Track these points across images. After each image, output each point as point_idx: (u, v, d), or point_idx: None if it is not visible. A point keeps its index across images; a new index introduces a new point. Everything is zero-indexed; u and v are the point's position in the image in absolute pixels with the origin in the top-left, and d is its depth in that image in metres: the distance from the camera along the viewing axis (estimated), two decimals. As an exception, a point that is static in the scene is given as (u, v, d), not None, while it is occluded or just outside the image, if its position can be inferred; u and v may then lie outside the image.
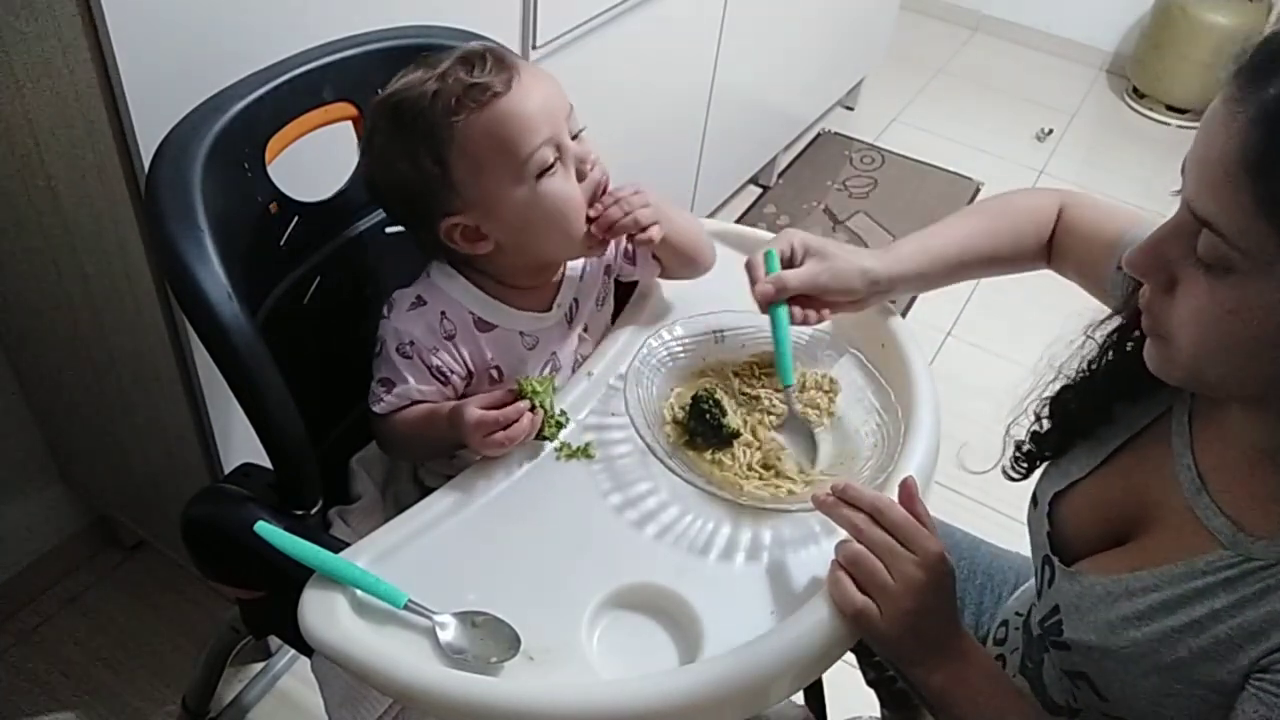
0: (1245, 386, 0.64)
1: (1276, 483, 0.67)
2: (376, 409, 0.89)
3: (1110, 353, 0.81)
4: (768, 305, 0.91)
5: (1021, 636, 0.89)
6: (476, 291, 0.89)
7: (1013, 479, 0.90)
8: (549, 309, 0.93)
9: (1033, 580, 0.91)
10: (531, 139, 0.81)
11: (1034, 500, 0.88)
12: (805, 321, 0.93)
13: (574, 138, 0.85)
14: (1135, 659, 0.70)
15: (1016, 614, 0.94)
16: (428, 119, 0.80)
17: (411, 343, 0.87)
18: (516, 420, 0.82)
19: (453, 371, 0.89)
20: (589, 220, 0.87)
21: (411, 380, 0.87)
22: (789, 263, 0.94)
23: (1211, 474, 0.71)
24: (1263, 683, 0.63)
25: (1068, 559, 0.80)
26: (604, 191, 0.88)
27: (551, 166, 0.83)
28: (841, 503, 0.75)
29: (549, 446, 0.87)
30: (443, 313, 0.88)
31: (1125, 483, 0.79)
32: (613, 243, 0.98)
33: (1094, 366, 0.82)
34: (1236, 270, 0.58)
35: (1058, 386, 0.85)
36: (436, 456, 0.95)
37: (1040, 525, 0.85)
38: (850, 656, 1.02)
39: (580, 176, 0.86)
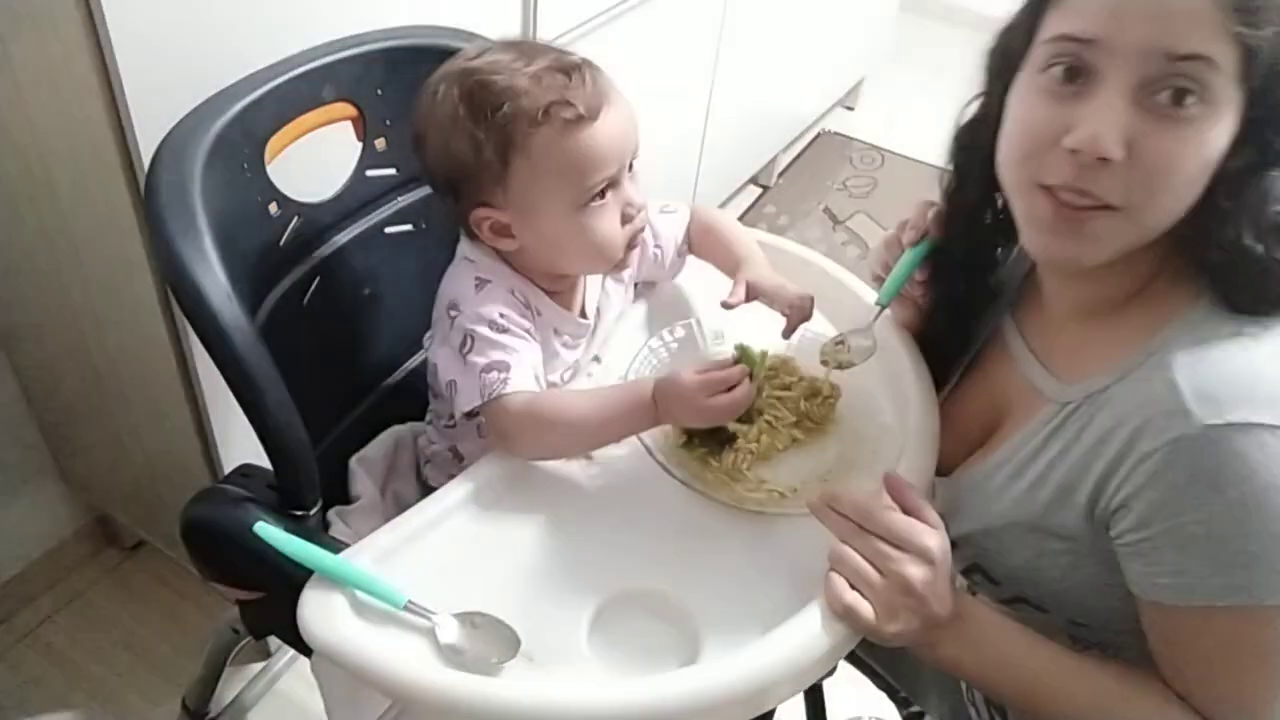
0: (1164, 228, 0.69)
1: (1084, 334, 0.78)
2: (507, 390, 0.80)
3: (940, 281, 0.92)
4: (922, 236, 0.93)
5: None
6: (521, 280, 0.89)
7: None
8: (583, 314, 0.93)
9: None
10: (597, 174, 0.81)
11: None
12: (919, 279, 0.95)
13: (629, 168, 0.86)
14: (1007, 528, 0.79)
15: None
16: (507, 115, 0.79)
17: (503, 314, 0.84)
18: (739, 383, 0.80)
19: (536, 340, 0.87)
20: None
21: (523, 350, 0.83)
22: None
23: (1037, 347, 0.83)
24: (1121, 536, 0.70)
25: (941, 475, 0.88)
26: (640, 232, 0.89)
27: (603, 201, 0.83)
28: (831, 510, 0.75)
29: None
30: (512, 288, 0.87)
31: (971, 400, 0.90)
32: (638, 256, 0.99)
33: (934, 298, 0.93)
34: (1214, 102, 0.64)
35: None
36: (586, 447, 0.87)
37: None
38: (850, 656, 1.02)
39: (624, 219, 0.85)
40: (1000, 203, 0.84)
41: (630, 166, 0.86)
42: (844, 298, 1.04)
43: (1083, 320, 0.78)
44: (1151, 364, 0.69)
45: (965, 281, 0.91)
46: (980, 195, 0.84)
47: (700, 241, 1.03)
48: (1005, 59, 0.77)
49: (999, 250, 0.90)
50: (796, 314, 0.93)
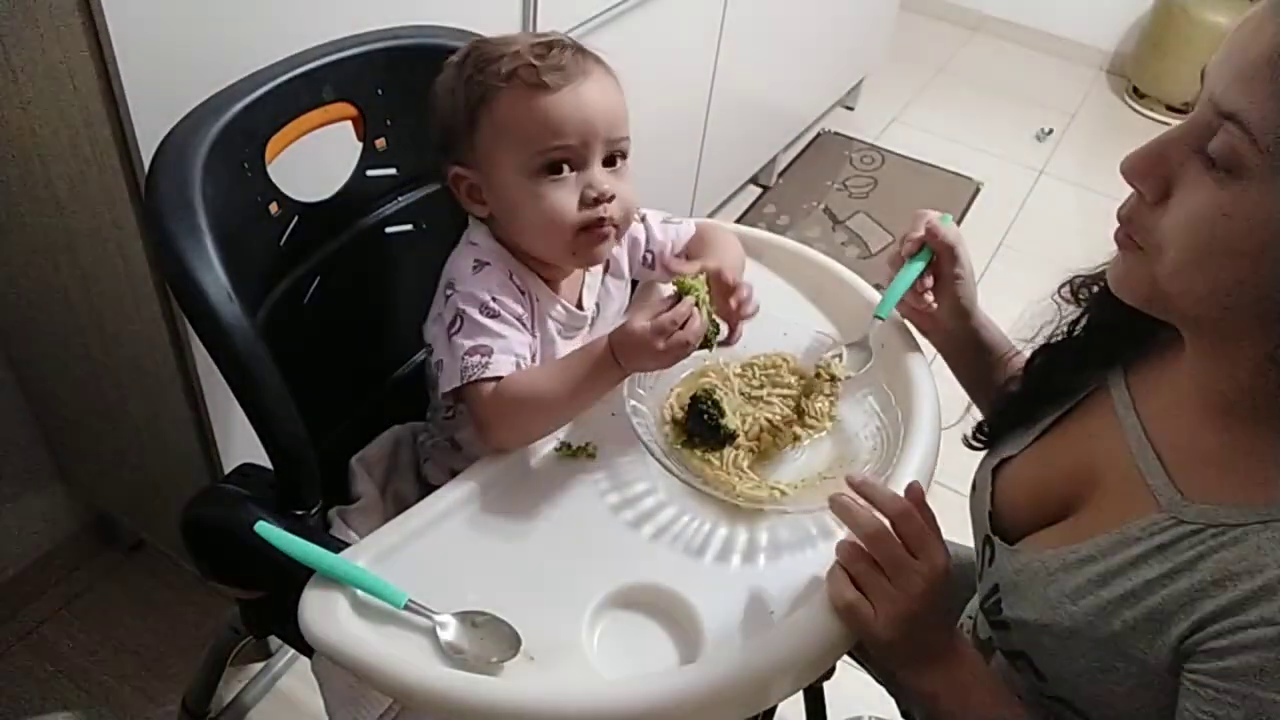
0: (1210, 303, 0.62)
1: (1217, 440, 0.68)
2: (486, 374, 0.81)
3: (1088, 314, 0.82)
4: (920, 246, 0.92)
5: (970, 641, 0.89)
6: (519, 265, 0.89)
7: (974, 447, 0.92)
8: (579, 305, 0.93)
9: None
10: (550, 140, 0.81)
11: (974, 486, 0.89)
12: (923, 289, 0.94)
13: (610, 160, 0.85)
14: (1072, 634, 0.70)
15: (968, 616, 0.95)
16: (483, 75, 0.82)
17: (494, 299, 0.84)
18: (689, 316, 0.79)
19: (528, 328, 0.87)
20: (575, 235, 0.85)
21: (509, 335, 0.84)
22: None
23: (1154, 430, 0.73)
24: (1196, 675, 0.62)
25: (1009, 539, 0.81)
26: (603, 224, 0.85)
27: (559, 175, 0.83)
28: (857, 508, 0.73)
29: (549, 446, 0.87)
30: (510, 272, 0.88)
31: (1062, 458, 0.80)
32: (628, 253, 0.99)
33: (1073, 328, 0.83)
34: (1246, 173, 0.57)
35: (1030, 350, 0.87)
36: (561, 420, 0.87)
37: (982, 504, 0.86)
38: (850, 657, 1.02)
39: (584, 202, 0.84)
40: None
41: (614, 160, 0.85)
42: (845, 295, 1.05)
43: (1217, 418, 0.68)
44: None
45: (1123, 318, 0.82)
46: None
47: (692, 254, 1.02)
48: None
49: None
50: (740, 304, 0.89)
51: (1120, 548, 0.69)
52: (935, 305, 0.95)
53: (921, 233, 0.93)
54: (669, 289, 0.82)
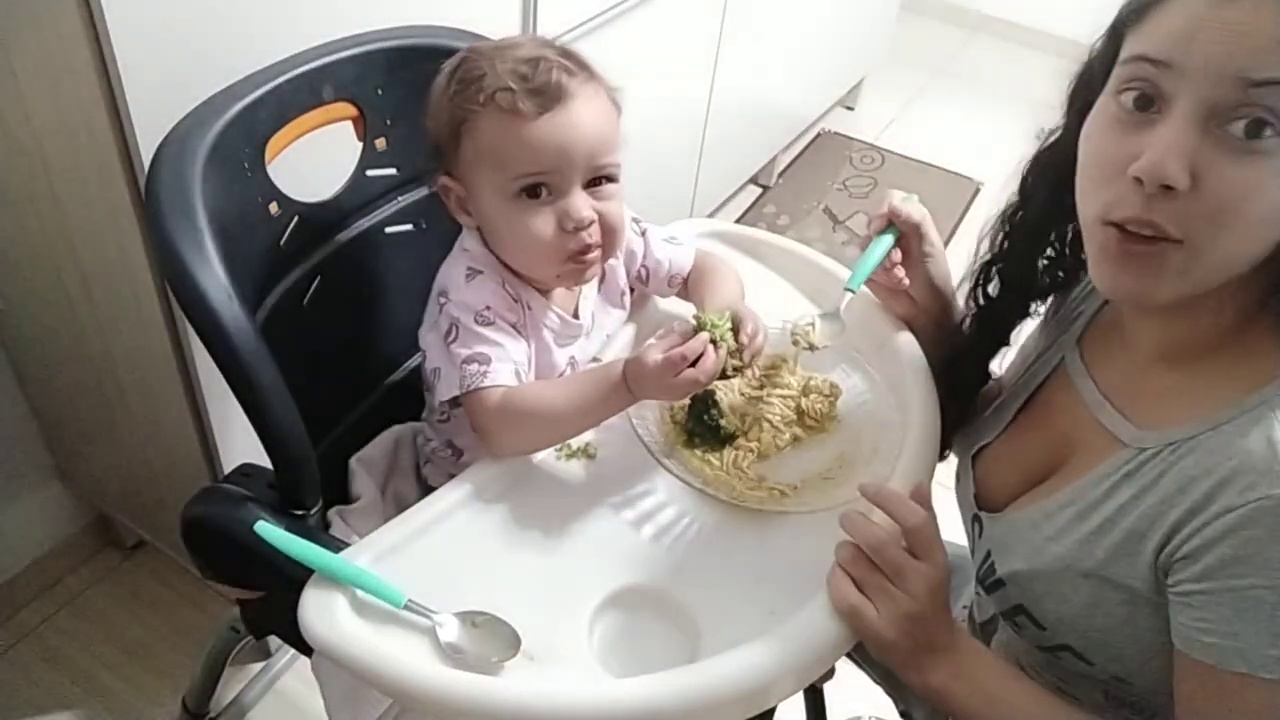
0: (1232, 272, 0.65)
1: (1167, 379, 0.73)
2: (485, 383, 0.82)
3: (972, 315, 0.91)
4: (886, 224, 0.95)
5: (967, 629, 0.90)
6: (512, 274, 0.89)
7: (943, 456, 0.94)
8: (575, 315, 0.93)
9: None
10: (526, 166, 0.81)
11: (957, 477, 0.93)
12: (893, 265, 0.95)
13: (595, 182, 0.84)
14: (1061, 573, 0.74)
15: (963, 606, 0.96)
16: (466, 92, 0.82)
17: (489, 307, 0.84)
18: (702, 353, 0.79)
19: (522, 334, 0.87)
20: (555, 260, 0.85)
21: (506, 344, 0.84)
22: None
23: (1110, 388, 0.78)
24: (1180, 586, 0.65)
25: (994, 511, 0.85)
26: (587, 251, 0.84)
27: (536, 200, 0.82)
28: (864, 521, 0.73)
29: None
30: (503, 280, 0.87)
31: (1035, 436, 0.85)
32: (624, 265, 0.99)
33: (964, 331, 0.92)
34: None
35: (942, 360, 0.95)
36: (566, 436, 0.86)
37: (966, 489, 0.90)
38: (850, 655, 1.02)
39: (560, 228, 0.83)
40: (1069, 237, 0.84)
41: (600, 181, 0.84)
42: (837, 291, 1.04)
43: (1170, 364, 0.73)
44: (1250, 418, 0.65)
45: (1003, 309, 0.90)
46: (1042, 225, 0.84)
47: (693, 288, 1.02)
48: (1086, 86, 0.74)
49: (1049, 286, 0.89)
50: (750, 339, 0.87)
51: (1094, 485, 0.74)
52: (907, 281, 0.96)
53: (885, 210, 0.95)
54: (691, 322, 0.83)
